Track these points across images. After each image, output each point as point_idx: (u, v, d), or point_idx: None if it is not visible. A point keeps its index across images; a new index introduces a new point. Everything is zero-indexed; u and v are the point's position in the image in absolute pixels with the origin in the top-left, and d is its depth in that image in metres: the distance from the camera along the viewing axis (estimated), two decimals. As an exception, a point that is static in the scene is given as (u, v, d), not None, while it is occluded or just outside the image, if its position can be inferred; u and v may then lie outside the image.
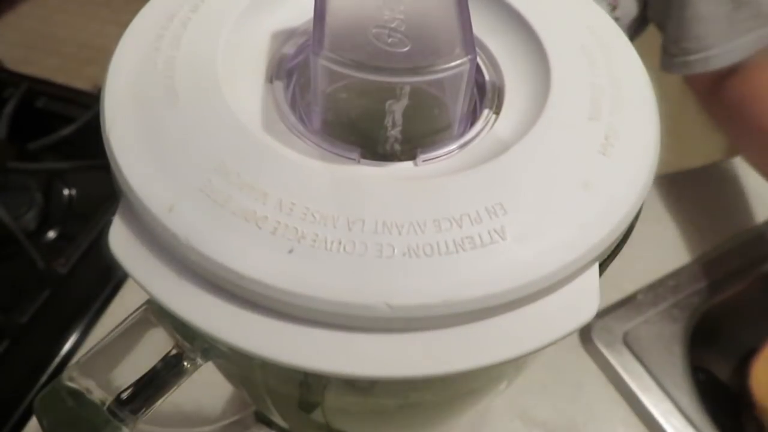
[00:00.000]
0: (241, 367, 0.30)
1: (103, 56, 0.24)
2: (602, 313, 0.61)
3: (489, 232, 0.20)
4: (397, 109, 0.22)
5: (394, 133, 0.23)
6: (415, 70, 0.21)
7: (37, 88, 0.78)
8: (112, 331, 0.25)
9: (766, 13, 0.60)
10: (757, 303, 0.66)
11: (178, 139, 0.22)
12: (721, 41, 0.61)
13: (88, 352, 0.25)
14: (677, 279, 0.63)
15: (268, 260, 0.19)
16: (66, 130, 0.72)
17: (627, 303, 0.61)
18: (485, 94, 0.25)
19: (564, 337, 0.20)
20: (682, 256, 0.65)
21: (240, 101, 0.23)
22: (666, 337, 0.59)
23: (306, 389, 0.30)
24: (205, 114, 0.22)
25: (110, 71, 0.24)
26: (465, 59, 0.21)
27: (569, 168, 0.22)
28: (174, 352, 0.25)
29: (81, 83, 0.66)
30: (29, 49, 1.79)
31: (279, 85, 0.25)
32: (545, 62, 0.25)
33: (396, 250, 0.19)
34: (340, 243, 0.20)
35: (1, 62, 0.93)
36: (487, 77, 0.26)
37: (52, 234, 0.67)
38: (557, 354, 0.59)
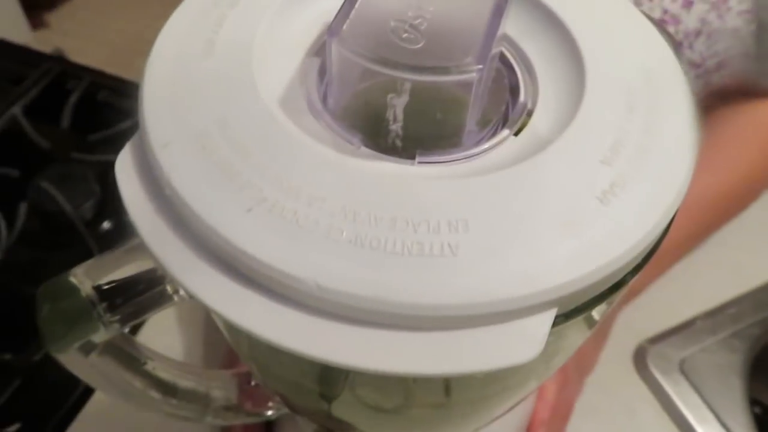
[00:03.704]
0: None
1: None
2: (658, 338, 0.58)
3: (442, 245, 0.20)
4: (398, 104, 0.22)
5: (395, 128, 0.23)
6: (415, 68, 0.21)
7: (99, 81, 0.80)
8: (120, 246, 0.28)
9: None
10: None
11: (197, 87, 0.23)
12: None
13: (96, 257, 0.29)
14: (738, 307, 0.59)
15: (229, 215, 0.20)
16: (125, 124, 0.74)
17: (684, 329, 0.59)
18: (513, 115, 0.25)
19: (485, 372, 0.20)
20: (745, 283, 0.61)
21: (272, 69, 0.25)
22: (724, 368, 0.56)
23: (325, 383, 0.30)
24: (229, 71, 0.24)
25: (159, 38, 0.25)
26: (472, 69, 0.21)
27: (555, 204, 0.21)
28: (160, 272, 0.26)
29: (130, 74, 0.68)
30: (83, 39, 1.86)
31: (315, 60, 0.26)
32: (580, 95, 0.24)
33: (345, 234, 0.20)
34: (295, 213, 0.20)
35: (63, 54, 0.96)
36: (522, 98, 0.25)
37: (107, 225, 0.68)
38: (611, 376, 0.57)
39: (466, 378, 0.27)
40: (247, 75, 0.23)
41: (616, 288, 0.22)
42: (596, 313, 0.25)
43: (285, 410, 0.43)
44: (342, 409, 0.33)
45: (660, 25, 0.27)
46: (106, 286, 0.27)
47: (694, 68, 0.60)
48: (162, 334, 0.59)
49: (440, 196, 0.21)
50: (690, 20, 0.57)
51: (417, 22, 0.22)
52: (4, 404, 0.56)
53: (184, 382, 0.37)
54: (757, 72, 0.60)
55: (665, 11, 0.56)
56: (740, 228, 0.63)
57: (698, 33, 0.57)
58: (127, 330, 0.29)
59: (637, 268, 0.22)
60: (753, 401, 0.57)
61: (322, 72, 0.25)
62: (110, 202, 0.69)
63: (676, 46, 0.25)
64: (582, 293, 0.20)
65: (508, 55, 0.26)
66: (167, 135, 0.22)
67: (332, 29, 0.21)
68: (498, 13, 0.22)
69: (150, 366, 0.35)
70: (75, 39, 1.89)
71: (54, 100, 0.78)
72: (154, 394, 0.36)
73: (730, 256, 0.63)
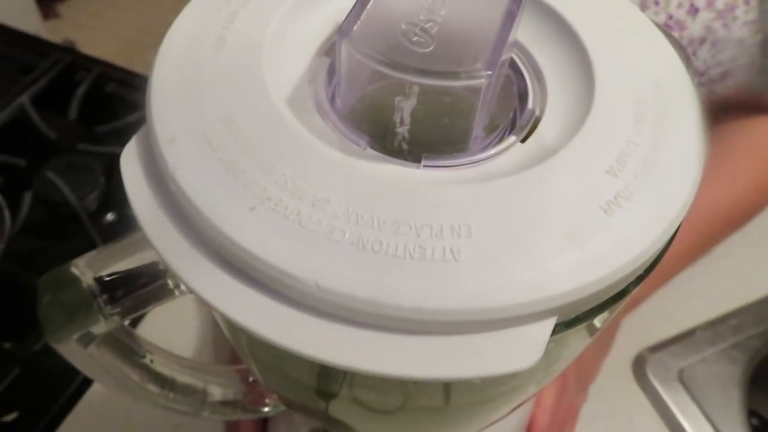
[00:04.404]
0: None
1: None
2: (658, 347, 0.59)
3: (444, 250, 0.20)
4: (405, 107, 0.22)
5: (402, 130, 0.23)
6: (424, 72, 0.21)
7: (108, 73, 0.80)
8: (123, 238, 0.29)
9: None
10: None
11: (205, 82, 0.23)
12: None
13: (99, 249, 0.29)
14: (739, 318, 0.59)
15: (232, 212, 0.20)
16: (132, 116, 0.74)
17: (684, 339, 0.59)
18: (521, 122, 0.25)
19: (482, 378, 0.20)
20: (747, 295, 0.61)
21: (281, 68, 0.25)
22: (723, 379, 0.56)
23: (324, 379, 0.30)
24: (238, 68, 0.24)
25: (169, 32, 0.26)
26: (481, 74, 0.21)
27: (559, 213, 0.21)
28: (162, 266, 0.26)
29: (139, 67, 0.68)
30: (93, 31, 1.86)
31: (324, 60, 0.26)
32: (589, 104, 0.24)
33: (347, 236, 0.20)
34: (298, 213, 0.20)
35: (74, 45, 0.96)
36: (530, 105, 0.25)
37: (110, 216, 0.68)
38: (609, 384, 0.57)
39: (465, 382, 0.27)
40: (256, 72, 0.23)
41: (618, 298, 0.22)
42: (598, 322, 0.25)
43: (282, 407, 0.43)
44: (339, 409, 0.33)
45: (671, 36, 0.26)
46: (108, 278, 0.27)
47: (697, 76, 0.60)
48: (163, 328, 0.59)
49: (444, 200, 0.21)
50: (695, 27, 0.56)
51: (428, 25, 0.22)
52: (3, 393, 0.56)
53: (182, 377, 0.37)
54: (761, 83, 0.60)
55: (670, 16, 0.56)
56: (744, 240, 0.64)
57: (703, 40, 0.57)
58: (127, 322, 0.29)
59: (640, 279, 0.22)
60: (751, 413, 0.57)
61: (331, 72, 0.25)
62: (115, 194, 0.69)
63: (687, 58, 0.25)
64: (583, 302, 0.20)
65: (518, 62, 0.26)
66: (174, 130, 0.22)
67: (343, 30, 0.21)
68: (509, 19, 0.22)
69: (148, 359, 0.35)
70: (85, 30, 1.89)
71: (62, 90, 0.78)
72: (152, 387, 0.36)
73: (732, 267, 0.64)
